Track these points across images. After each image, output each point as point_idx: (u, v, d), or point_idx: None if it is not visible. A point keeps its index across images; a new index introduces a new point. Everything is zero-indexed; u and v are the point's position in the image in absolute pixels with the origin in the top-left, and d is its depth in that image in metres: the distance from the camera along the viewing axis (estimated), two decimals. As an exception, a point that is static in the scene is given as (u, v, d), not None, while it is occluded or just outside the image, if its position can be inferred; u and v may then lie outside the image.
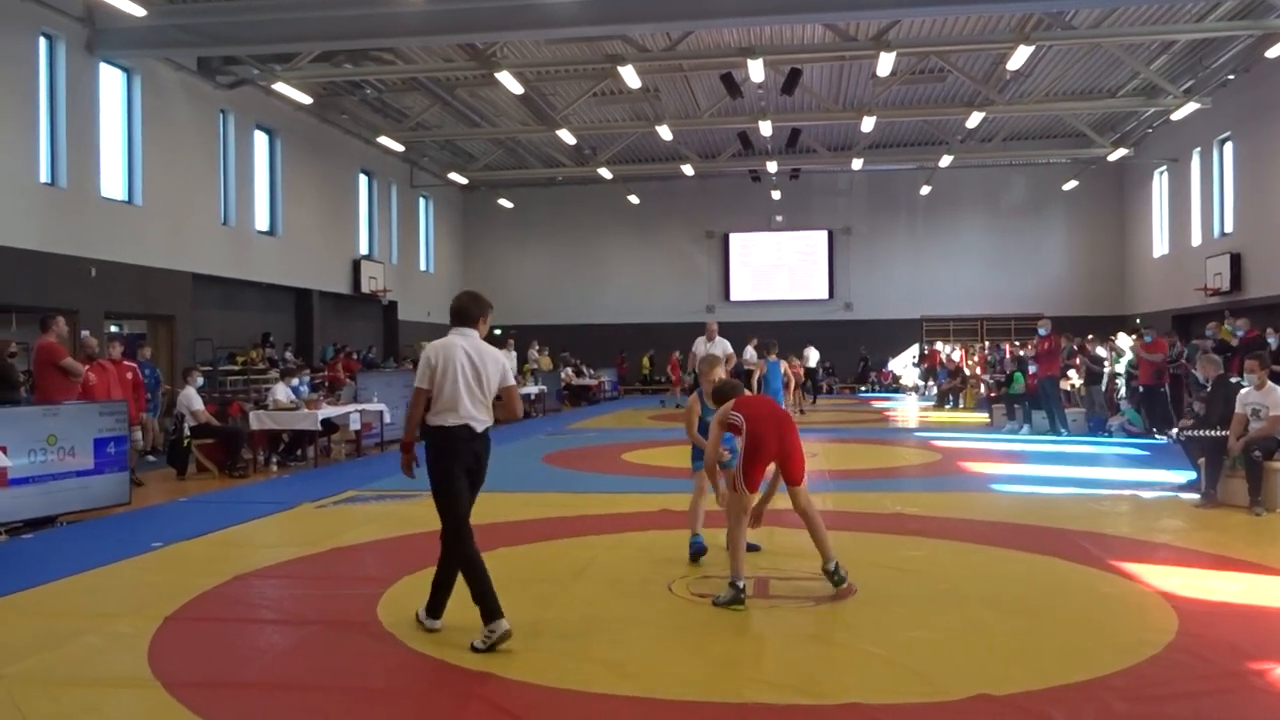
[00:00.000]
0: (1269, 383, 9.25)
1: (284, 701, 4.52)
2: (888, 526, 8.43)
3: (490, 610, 5.13)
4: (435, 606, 5.45)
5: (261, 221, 22.85)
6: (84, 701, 4.49)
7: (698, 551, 6.95)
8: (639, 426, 19.91)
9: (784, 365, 18.60)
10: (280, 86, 19.46)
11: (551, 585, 6.53)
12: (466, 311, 5.52)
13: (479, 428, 5.34)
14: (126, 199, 18.18)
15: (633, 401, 29.24)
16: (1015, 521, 8.63)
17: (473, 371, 5.33)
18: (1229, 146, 24.21)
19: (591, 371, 30.30)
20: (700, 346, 14.30)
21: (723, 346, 13.70)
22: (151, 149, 18.53)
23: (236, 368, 21.17)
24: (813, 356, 27.63)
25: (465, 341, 5.42)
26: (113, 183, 17.83)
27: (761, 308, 33.37)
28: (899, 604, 5.93)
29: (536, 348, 28.32)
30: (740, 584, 5.82)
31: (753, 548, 7.14)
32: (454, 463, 5.28)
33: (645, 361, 34.16)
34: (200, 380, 13.55)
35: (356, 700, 4.52)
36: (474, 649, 5.06)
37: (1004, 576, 6.69)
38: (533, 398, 23.34)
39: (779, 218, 34.44)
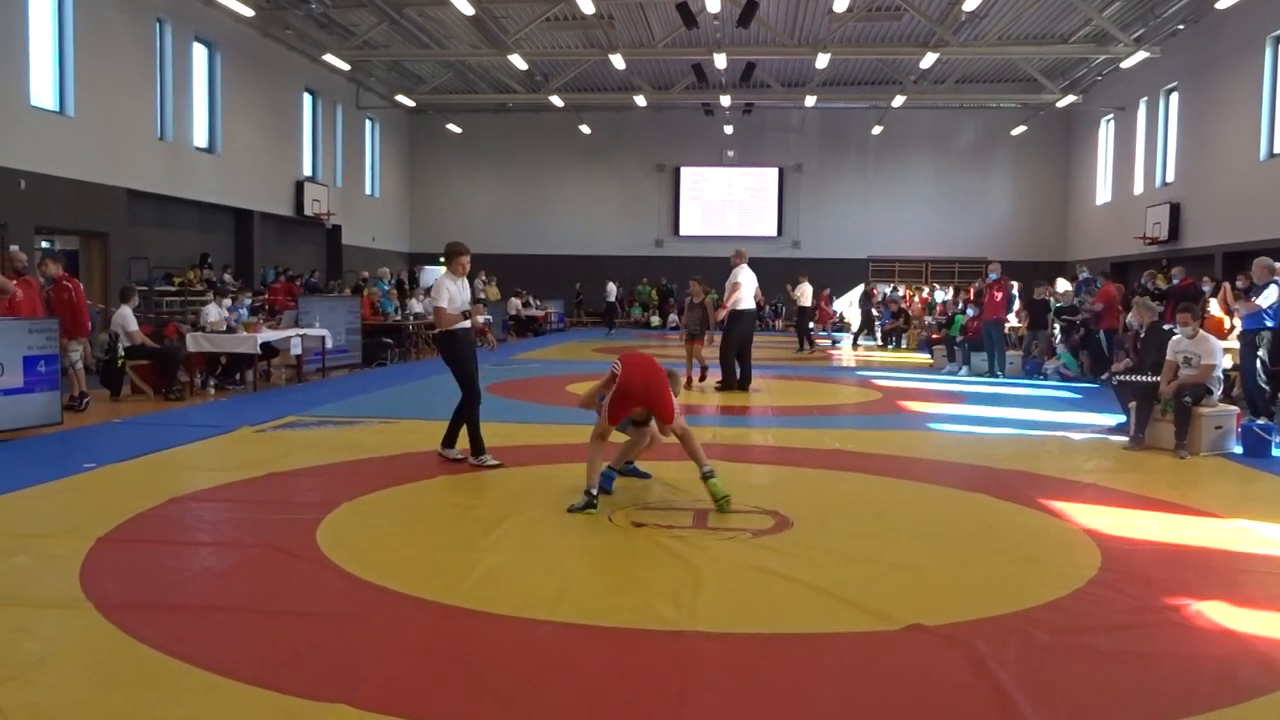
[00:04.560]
0: (1201, 331, 9.48)
1: (218, 624, 4.49)
2: (827, 462, 8.55)
3: (476, 447, 8.11)
4: (453, 440, 8.37)
5: (200, 138, 22.17)
6: (14, 621, 4.41)
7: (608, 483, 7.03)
8: (584, 359, 19.87)
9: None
10: (220, -3, 18.75)
11: (491, 513, 6.54)
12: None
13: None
14: (58, 109, 17.49)
15: (579, 334, 29.16)
16: (950, 459, 8.81)
17: None
18: (1174, 97, 24.50)
19: (539, 303, 30.15)
20: (743, 275, 13.85)
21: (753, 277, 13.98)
22: (84, 57, 17.79)
23: (173, 288, 20.69)
24: (807, 293, 22.55)
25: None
26: (43, 91, 17.13)
27: (710, 243, 33.33)
28: (835, 537, 6.03)
29: (483, 278, 28.04)
30: (593, 493, 6.52)
31: (643, 475, 7.51)
32: None
33: (654, 293, 33.80)
34: (136, 300, 13.21)
35: (291, 624, 4.50)
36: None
37: (937, 512, 6.85)
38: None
39: (730, 153, 34.28)
